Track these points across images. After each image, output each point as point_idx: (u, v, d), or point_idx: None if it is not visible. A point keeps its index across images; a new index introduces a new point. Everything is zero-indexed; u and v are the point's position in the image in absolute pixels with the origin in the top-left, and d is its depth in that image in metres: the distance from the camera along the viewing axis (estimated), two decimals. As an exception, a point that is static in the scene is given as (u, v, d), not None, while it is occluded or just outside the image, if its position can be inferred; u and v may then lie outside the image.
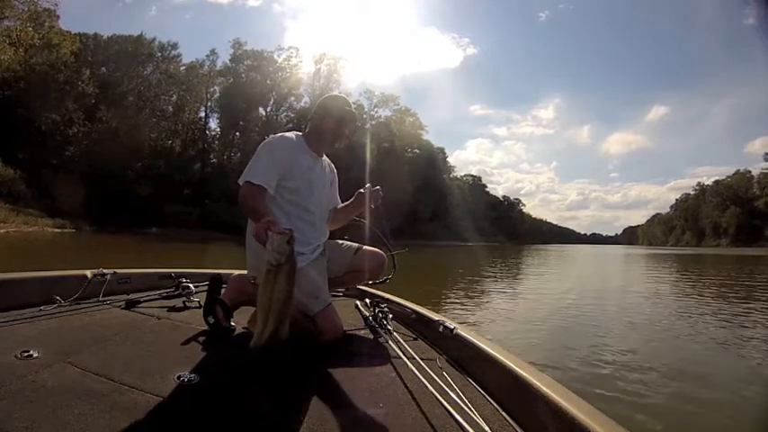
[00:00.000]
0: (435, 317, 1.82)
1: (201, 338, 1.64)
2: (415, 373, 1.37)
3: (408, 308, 2.08)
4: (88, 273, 2.16)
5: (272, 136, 1.88)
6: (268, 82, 48.51)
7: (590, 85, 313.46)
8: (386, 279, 2.22)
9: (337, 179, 2.09)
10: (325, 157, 1.99)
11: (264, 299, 1.21)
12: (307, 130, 1.93)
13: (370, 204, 2.01)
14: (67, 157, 34.77)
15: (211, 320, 1.71)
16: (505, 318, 6.31)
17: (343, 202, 2.11)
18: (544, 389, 1.10)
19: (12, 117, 30.80)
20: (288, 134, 1.87)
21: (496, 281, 11.75)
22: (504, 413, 1.20)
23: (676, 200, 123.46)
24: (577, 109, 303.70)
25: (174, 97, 44.85)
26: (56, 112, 34.42)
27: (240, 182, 1.69)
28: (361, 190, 2.02)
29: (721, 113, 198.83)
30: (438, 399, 1.20)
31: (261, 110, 48.67)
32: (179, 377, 1.24)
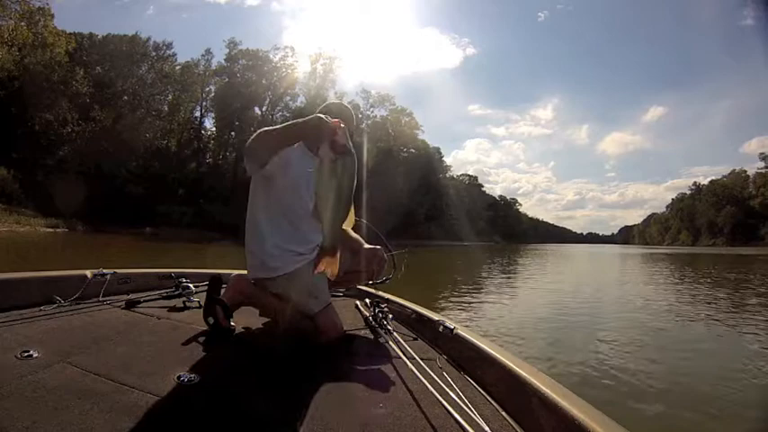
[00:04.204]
0: (435, 317, 1.83)
1: (201, 338, 1.64)
2: (414, 373, 1.36)
3: (408, 308, 2.08)
4: (88, 273, 2.14)
5: None
6: (264, 81, 48.43)
7: (589, 85, 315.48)
8: (386, 279, 2.22)
9: None
10: None
11: (333, 185, 1.26)
12: None
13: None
14: (61, 156, 34.59)
15: (211, 321, 1.71)
16: (504, 317, 6.32)
17: None
18: (544, 389, 1.11)
19: (6, 116, 30.62)
20: None
21: (494, 281, 11.77)
22: (503, 413, 1.20)
23: (672, 199, 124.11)
24: (576, 109, 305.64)
25: (170, 97, 44.72)
26: (50, 112, 34.21)
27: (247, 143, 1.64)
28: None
29: (718, 114, 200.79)
30: (438, 399, 1.20)
31: (256, 109, 48.62)
32: (179, 377, 1.23)
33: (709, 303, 8.33)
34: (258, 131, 1.61)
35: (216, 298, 1.74)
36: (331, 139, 1.27)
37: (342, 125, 1.29)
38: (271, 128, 1.59)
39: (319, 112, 1.92)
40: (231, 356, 1.54)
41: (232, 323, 1.73)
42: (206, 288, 1.80)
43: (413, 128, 59.46)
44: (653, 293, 10.17)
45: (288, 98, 50.02)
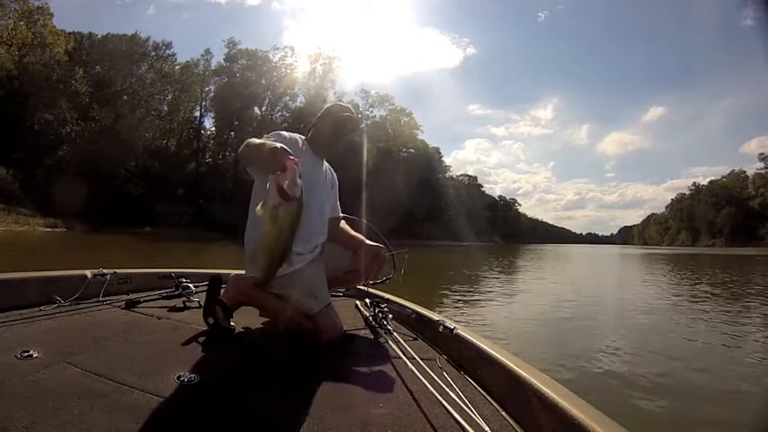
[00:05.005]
0: (435, 317, 1.83)
1: (201, 338, 1.64)
2: (415, 373, 1.37)
3: (408, 308, 2.08)
4: (88, 273, 2.14)
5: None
6: (263, 81, 48.42)
7: (589, 85, 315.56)
8: (386, 279, 2.22)
9: (338, 185, 2.09)
10: (325, 163, 2.00)
11: (273, 232, 1.21)
12: (309, 134, 1.94)
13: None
14: (61, 156, 34.53)
15: (211, 321, 1.71)
16: (504, 317, 6.33)
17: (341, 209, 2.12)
18: (544, 388, 1.11)
19: (5, 116, 30.57)
20: (293, 134, 1.89)
21: (492, 281, 11.77)
22: (503, 413, 1.20)
23: (672, 200, 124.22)
24: (576, 109, 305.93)
25: (169, 97, 44.73)
26: (49, 112, 34.23)
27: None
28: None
29: (718, 114, 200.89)
30: (438, 399, 1.20)
31: (256, 109, 48.68)
32: (179, 377, 1.23)
33: (708, 303, 8.34)
34: (246, 142, 1.54)
35: (216, 298, 1.74)
36: (276, 177, 1.19)
37: (296, 166, 1.19)
38: (253, 140, 1.52)
39: (321, 115, 1.95)
40: (231, 356, 1.54)
41: (232, 323, 1.73)
42: (206, 288, 1.81)
43: (412, 128, 59.52)
44: (652, 294, 10.18)
45: (287, 98, 50.11)
